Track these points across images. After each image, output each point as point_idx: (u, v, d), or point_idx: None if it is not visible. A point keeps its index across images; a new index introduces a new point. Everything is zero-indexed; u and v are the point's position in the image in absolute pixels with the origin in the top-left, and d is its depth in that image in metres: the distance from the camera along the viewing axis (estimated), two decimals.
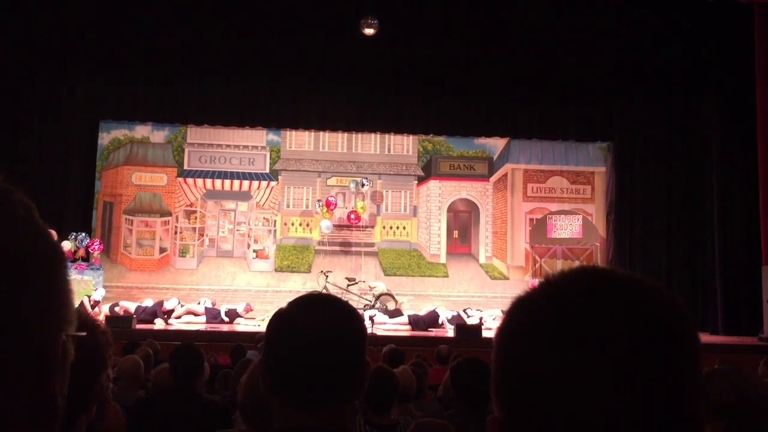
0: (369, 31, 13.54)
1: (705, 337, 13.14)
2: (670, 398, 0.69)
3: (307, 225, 16.03)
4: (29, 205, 0.67)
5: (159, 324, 12.95)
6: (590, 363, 0.69)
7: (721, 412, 2.24)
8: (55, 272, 0.67)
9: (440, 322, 13.45)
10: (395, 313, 13.82)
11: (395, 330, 13.09)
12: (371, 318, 12.67)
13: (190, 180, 15.96)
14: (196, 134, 16.03)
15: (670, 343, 0.71)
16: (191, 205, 15.96)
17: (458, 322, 13.00)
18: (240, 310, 13.72)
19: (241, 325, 13.30)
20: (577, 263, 15.56)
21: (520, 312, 0.77)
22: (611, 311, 0.71)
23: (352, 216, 15.64)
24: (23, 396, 0.63)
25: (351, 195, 15.93)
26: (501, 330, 0.78)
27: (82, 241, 13.57)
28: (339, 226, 15.74)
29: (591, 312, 0.71)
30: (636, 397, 0.68)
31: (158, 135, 16.00)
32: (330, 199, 15.54)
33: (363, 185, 15.73)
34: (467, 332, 12.00)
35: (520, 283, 15.68)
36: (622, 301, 0.72)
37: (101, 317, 12.37)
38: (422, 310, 13.91)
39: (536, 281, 0.83)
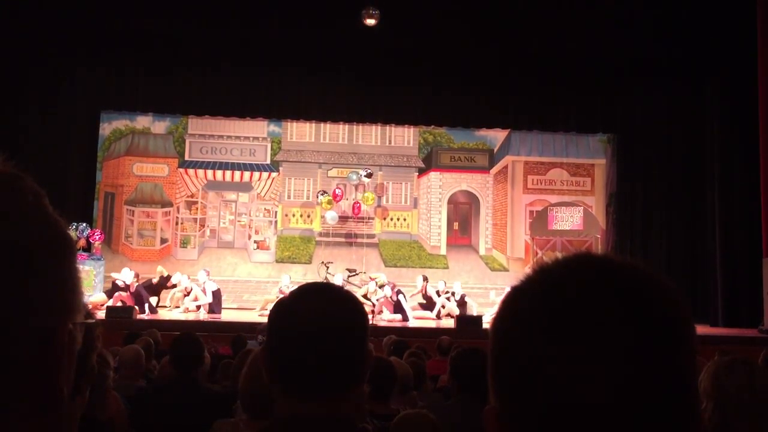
0: (370, 22, 13.50)
1: (705, 329, 13.16)
2: (668, 383, 0.69)
3: (308, 216, 16.03)
4: (39, 191, 0.68)
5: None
6: (588, 351, 0.68)
7: (706, 396, 2.28)
8: (63, 260, 0.67)
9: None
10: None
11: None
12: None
13: (191, 171, 15.96)
14: (197, 125, 16.02)
15: (668, 328, 0.71)
16: (192, 195, 15.95)
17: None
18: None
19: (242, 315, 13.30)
20: None
21: (516, 300, 0.77)
22: (608, 298, 0.70)
23: (356, 207, 15.67)
24: (28, 383, 0.63)
25: (351, 187, 15.92)
26: (497, 319, 0.77)
27: (83, 231, 13.58)
28: (342, 218, 15.74)
29: (588, 299, 0.71)
30: (634, 384, 0.68)
31: (159, 126, 15.99)
32: (336, 191, 15.55)
33: (369, 175, 15.68)
34: (469, 323, 12.05)
35: (520, 275, 15.64)
36: (618, 287, 0.71)
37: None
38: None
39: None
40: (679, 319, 0.72)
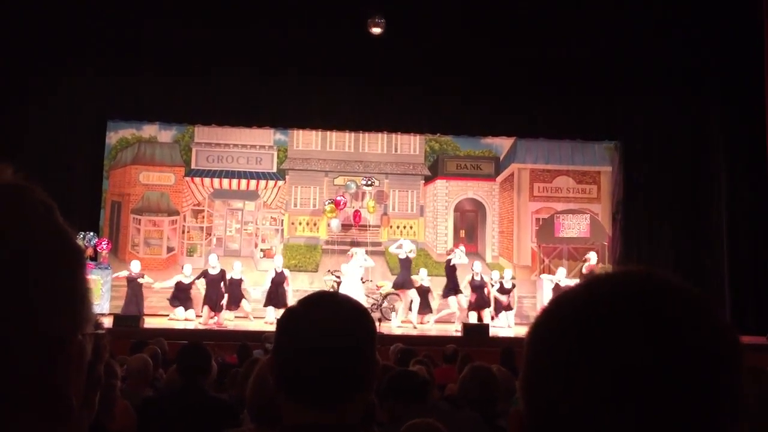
0: (376, 30, 13.53)
1: None
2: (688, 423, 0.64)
3: (314, 224, 16.03)
4: (49, 203, 0.68)
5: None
6: (599, 379, 0.66)
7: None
8: (73, 271, 0.67)
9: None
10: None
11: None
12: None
13: (197, 179, 15.99)
14: (203, 134, 16.05)
15: (689, 366, 0.66)
16: (199, 204, 15.98)
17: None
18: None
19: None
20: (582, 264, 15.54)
21: (551, 307, 0.75)
22: (631, 324, 0.67)
23: (357, 216, 15.66)
24: (38, 395, 0.63)
25: (351, 195, 15.85)
26: (535, 323, 0.76)
27: (90, 240, 13.62)
28: (345, 226, 15.72)
29: (608, 321, 0.68)
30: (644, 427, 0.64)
31: (166, 134, 16.03)
32: (339, 199, 15.53)
33: (370, 184, 15.68)
34: (475, 331, 12.07)
35: (526, 283, 15.66)
36: (647, 314, 0.68)
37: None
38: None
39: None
40: (714, 360, 0.67)
